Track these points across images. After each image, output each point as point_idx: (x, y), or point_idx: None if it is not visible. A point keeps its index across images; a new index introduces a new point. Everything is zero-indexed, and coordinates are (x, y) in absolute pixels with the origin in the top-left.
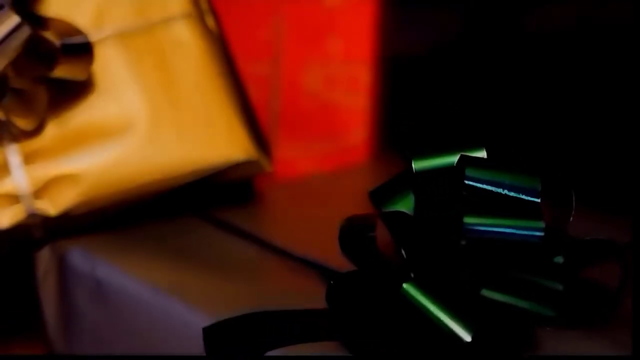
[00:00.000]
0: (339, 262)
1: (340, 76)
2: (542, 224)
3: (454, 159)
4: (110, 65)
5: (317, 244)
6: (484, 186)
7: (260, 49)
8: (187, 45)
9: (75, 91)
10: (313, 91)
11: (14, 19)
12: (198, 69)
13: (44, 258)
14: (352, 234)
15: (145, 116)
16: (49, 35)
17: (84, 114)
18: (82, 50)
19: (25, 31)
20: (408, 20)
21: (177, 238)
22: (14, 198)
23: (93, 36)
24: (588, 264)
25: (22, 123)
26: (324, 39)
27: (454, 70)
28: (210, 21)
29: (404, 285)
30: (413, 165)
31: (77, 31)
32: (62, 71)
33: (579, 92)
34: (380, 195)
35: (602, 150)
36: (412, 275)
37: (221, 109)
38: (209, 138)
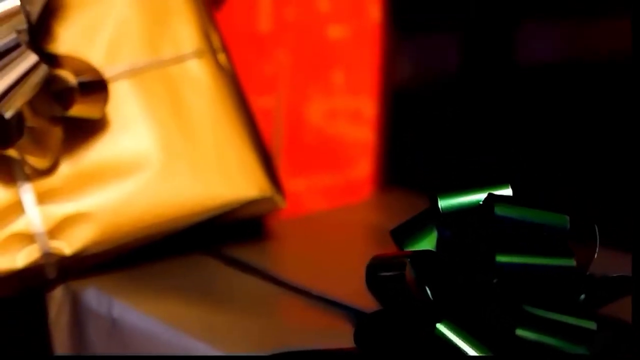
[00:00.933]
0: (358, 299)
1: (343, 109)
2: (573, 262)
3: (481, 196)
4: (123, 102)
5: (331, 280)
6: (513, 224)
7: (264, 83)
8: (200, 82)
9: (88, 129)
10: (317, 124)
11: (31, 58)
12: (211, 106)
13: (57, 297)
14: (380, 273)
15: (159, 154)
16: (65, 73)
17: (97, 152)
18: (98, 89)
19: (43, 70)
20: (409, 53)
21: (189, 275)
22: (28, 237)
23: (105, 73)
24: (608, 301)
25: (36, 162)
26: (327, 71)
27: (454, 102)
28: (222, 58)
29: (438, 325)
30: (439, 204)
31: (92, 69)
32: (78, 110)
33: (571, 121)
34: (402, 234)
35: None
36: (443, 314)
37: (235, 146)
38: (224, 176)
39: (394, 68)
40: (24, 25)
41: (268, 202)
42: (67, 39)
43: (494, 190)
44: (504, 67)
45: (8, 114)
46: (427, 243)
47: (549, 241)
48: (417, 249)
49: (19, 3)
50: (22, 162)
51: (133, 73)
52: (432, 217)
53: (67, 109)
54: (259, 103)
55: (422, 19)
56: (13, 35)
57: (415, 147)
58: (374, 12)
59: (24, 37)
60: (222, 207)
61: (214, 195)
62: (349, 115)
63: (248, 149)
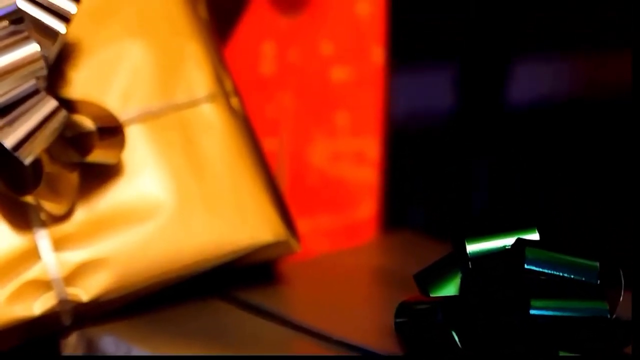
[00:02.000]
0: (373, 342)
1: (347, 151)
2: (605, 305)
3: (508, 241)
4: (136, 147)
5: (343, 322)
6: (544, 268)
7: (267, 125)
8: (214, 126)
9: (103, 174)
10: (320, 166)
11: (51, 104)
12: (225, 150)
13: (71, 344)
14: (410, 318)
15: (174, 198)
16: (82, 119)
17: (112, 197)
18: (115, 134)
19: (62, 115)
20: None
21: (203, 319)
22: (45, 284)
23: (119, 117)
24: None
25: (52, 208)
26: (330, 113)
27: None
28: (235, 102)
29: None
30: (467, 249)
31: (108, 114)
32: (96, 156)
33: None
34: (426, 279)
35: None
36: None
37: (250, 190)
38: (239, 220)
39: (395, 108)
40: (43, 72)
41: (283, 246)
42: (80, 84)
43: (521, 235)
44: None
45: (27, 160)
46: (453, 288)
47: (580, 285)
48: (442, 294)
49: (38, 49)
50: (38, 208)
51: (146, 117)
52: (457, 262)
53: (85, 155)
54: (263, 145)
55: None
56: (32, 82)
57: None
58: (377, 54)
59: (42, 83)
60: (237, 252)
61: (229, 240)
62: (352, 156)
63: (262, 193)
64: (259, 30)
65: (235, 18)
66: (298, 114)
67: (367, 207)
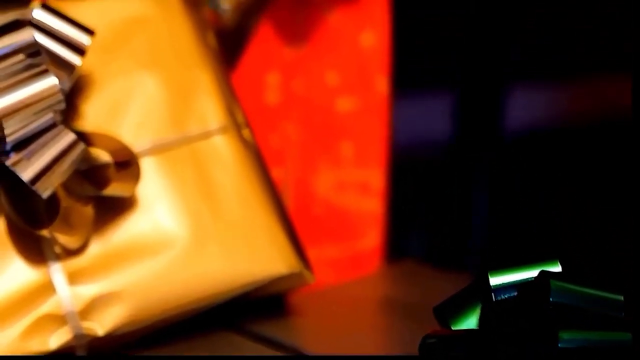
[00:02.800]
0: None
1: (352, 181)
2: (629, 336)
3: (532, 273)
4: (149, 179)
5: (357, 353)
6: (570, 300)
7: (272, 155)
8: (226, 157)
9: (117, 207)
10: (325, 196)
11: (69, 137)
12: (238, 182)
13: None
14: (435, 351)
15: (188, 231)
16: (98, 152)
17: (126, 230)
18: (130, 167)
19: (80, 149)
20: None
21: (216, 351)
22: (60, 319)
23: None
24: None
25: (67, 241)
26: (335, 144)
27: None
28: (246, 133)
29: None
30: (490, 281)
31: (123, 147)
32: (111, 189)
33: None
34: (446, 311)
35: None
36: None
37: (263, 222)
38: (253, 252)
39: (400, 138)
40: (61, 106)
41: (297, 277)
42: (93, 116)
43: (544, 267)
44: (495, 131)
45: (46, 194)
46: (473, 320)
47: (605, 317)
48: (464, 327)
49: (57, 82)
50: (52, 241)
51: (159, 149)
52: (476, 294)
53: (102, 189)
54: None
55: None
56: (49, 115)
57: (416, 218)
58: (381, 84)
59: (59, 116)
60: (251, 284)
61: (243, 272)
62: (357, 187)
63: (276, 225)
64: (264, 60)
65: (241, 48)
66: (303, 144)
67: (371, 237)
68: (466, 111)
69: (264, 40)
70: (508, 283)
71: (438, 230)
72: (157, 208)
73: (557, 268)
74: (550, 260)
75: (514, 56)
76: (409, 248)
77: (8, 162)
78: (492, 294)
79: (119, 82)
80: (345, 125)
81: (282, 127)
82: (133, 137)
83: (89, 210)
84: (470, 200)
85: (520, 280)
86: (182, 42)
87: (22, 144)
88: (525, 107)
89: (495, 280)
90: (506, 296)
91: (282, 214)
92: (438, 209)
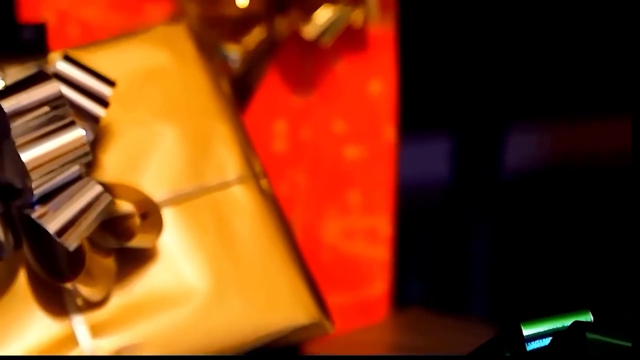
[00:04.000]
0: None
1: (359, 228)
2: None
3: (565, 322)
4: (169, 229)
5: None
6: (605, 353)
7: (280, 202)
8: (245, 207)
9: (138, 258)
10: (332, 244)
11: (96, 189)
12: (257, 232)
13: None
14: None
15: (208, 282)
16: (123, 204)
17: (147, 282)
18: (153, 219)
19: (107, 200)
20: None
21: None
22: None
23: None
24: None
25: (90, 293)
26: (343, 191)
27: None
28: (264, 183)
29: None
30: (523, 331)
31: (146, 198)
32: (135, 241)
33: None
34: None
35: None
36: None
37: (283, 272)
38: (273, 302)
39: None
40: (88, 158)
41: (317, 327)
42: (112, 167)
43: (576, 318)
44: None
45: (72, 246)
46: None
47: None
48: None
49: (84, 134)
50: (74, 294)
51: (178, 200)
52: (504, 345)
53: (126, 240)
54: None
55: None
56: (76, 167)
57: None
58: (388, 132)
59: (84, 168)
60: (272, 335)
61: (264, 323)
62: (364, 234)
63: (295, 275)
64: (272, 108)
65: (248, 96)
66: (310, 192)
67: (379, 285)
68: (465, 154)
69: (272, 88)
70: (539, 333)
71: (440, 276)
72: (177, 259)
73: (588, 318)
74: (581, 310)
75: (512, 98)
76: (412, 295)
77: (34, 215)
78: (524, 345)
79: (137, 132)
80: (353, 172)
81: (289, 175)
82: (152, 187)
83: (111, 262)
84: (470, 244)
85: (553, 330)
86: (198, 92)
87: (47, 196)
88: (524, 148)
89: (528, 331)
90: (537, 347)
91: (301, 263)
92: (438, 254)
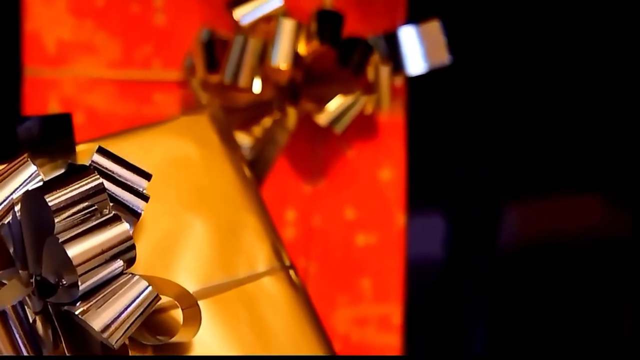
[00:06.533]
0: None
1: (371, 316)
2: None
3: None
4: (203, 322)
5: None
6: None
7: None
8: (276, 299)
9: (174, 351)
10: (344, 332)
11: (141, 284)
12: (289, 323)
13: None
14: None
15: None
16: (165, 300)
17: None
18: (192, 313)
19: (152, 296)
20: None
21: None
22: None
23: None
24: None
25: None
26: (354, 279)
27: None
28: (292, 274)
29: None
30: None
31: (184, 292)
32: (177, 337)
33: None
34: None
35: None
36: None
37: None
38: None
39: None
40: (133, 253)
41: None
42: (144, 260)
43: None
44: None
45: (117, 344)
46: None
47: None
48: None
49: (128, 228)
50: None
51: (209, 292)
52: None
53: (168, 336)
54: None
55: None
56: (119, 262)
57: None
58: (399, 219)
59: (127, 263)
60: None
61: None
62: (376, 322)
63: None
64: (283, 196)
65: (258, 184)
66: (322, 280)
67: None
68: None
69: (283, 176)
70: None
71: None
72: (210, 351)
73: None
74: None
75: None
76: None
77: (77, 312)
78: None
79: (166, 224)
80: (364, 260)
81: (300, 263)
82: (183, 280)
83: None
84: (468, 323)
85: None
86: (224, 182)
87: (89, 293)
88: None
89: None
90: None
91: (332, 354)
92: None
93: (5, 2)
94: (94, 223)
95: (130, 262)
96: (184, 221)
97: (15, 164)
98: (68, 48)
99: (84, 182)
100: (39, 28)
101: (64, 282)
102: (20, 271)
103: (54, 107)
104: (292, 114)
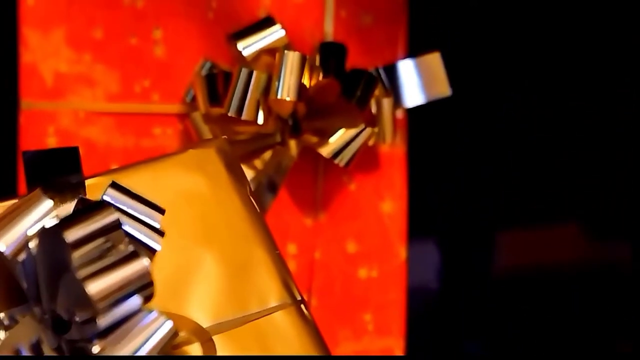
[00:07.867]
0: None
1: (373, 350)
2: None
3: None
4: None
5: None
6: None
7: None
8: (288, 334)
9: None
10: None
11: (159, 320)
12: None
13: None
14: None
15: None
16: (182, 335)
17: None
18: (207, 349)
19: (171, 333)
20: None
21: None
22: None
23: None
24: None
25: None
26: (356, 313)
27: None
28: (304, 309)
29: None
30: None
31: (199, 328)
32: None
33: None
34: None
35: None
36: None
37: None
38: None
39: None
40: (151, 290)
41: None
42: (156, 297)
43: None
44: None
45: None
46: None
47: None
48: None
49: (147, 264)
50: None
51: (221, 328)
52: None
53: None
54: None
55: None
56: (136, 298)
57: None
58: (400, 252)
59: (144, 300)
60: None
61: None
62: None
63: None
64: (284, 230)
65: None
66: (323, 314)
67: None
68: (454, 261)
69: (284, 208)
70: None
71: None
72: None
73: None
74: None
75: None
76: None
77: (94, 349)
78: None
79: (177, 259)
80: (366, 293)
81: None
82: (197, 316)
83: None
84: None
85: None
86: (233, 216)
87: (107, 329)
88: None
89: None
90: None
91: None
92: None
93: (2, 33)
94: (114, 259)
95: (148, 298)
96: (195, 256)
97: (29, 199)
98: (66, 81)
99: (100, 218)
100: (36, 60)
101: (80, 319)
102: (34, 308)
103: (51, 140)
104: (293, 147)
